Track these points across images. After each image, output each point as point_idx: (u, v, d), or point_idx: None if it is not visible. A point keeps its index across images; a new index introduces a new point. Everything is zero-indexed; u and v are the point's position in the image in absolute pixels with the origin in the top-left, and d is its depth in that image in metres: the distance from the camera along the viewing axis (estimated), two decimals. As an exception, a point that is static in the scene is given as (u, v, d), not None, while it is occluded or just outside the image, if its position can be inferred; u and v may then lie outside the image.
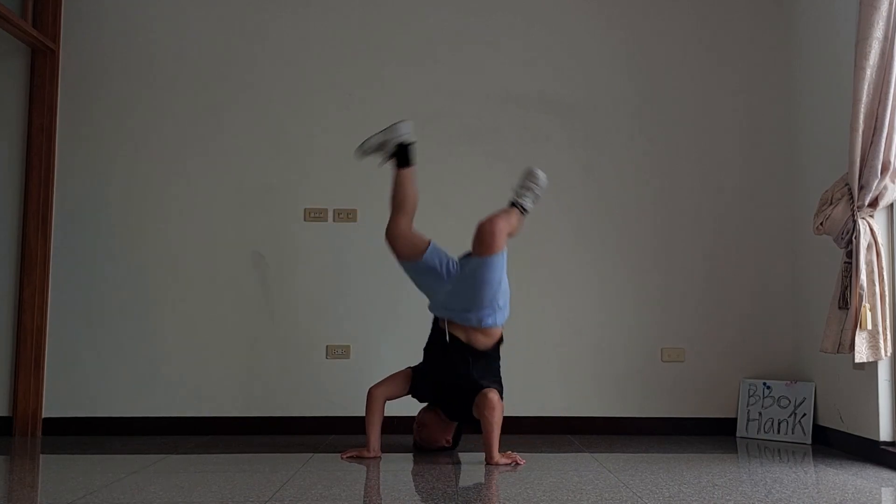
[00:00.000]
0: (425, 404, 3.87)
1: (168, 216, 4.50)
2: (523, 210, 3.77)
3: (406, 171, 3.81)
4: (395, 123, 3.82)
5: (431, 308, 3.85)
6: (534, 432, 4.33)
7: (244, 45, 4.59)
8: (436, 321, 3.83)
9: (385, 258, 4.48)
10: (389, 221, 3.80)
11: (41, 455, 3.85)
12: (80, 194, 4.49)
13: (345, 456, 3.66)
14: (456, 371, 3.67)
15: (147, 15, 4.60)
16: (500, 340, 3.78)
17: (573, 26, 4.64)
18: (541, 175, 3.80)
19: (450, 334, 3.72)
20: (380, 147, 3.82)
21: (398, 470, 3.37)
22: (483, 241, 3.60)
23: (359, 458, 3.63)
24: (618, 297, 4.51)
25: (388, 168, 4.52)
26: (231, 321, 4.46)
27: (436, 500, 2.86)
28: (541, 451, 3.76)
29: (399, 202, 3.81)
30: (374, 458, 3.65)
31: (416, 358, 4.43)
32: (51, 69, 4.47)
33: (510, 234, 3.69)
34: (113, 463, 3.55)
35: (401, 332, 4.47)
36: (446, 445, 3.82)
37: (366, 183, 4.53)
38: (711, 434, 4.39)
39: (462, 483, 3.12)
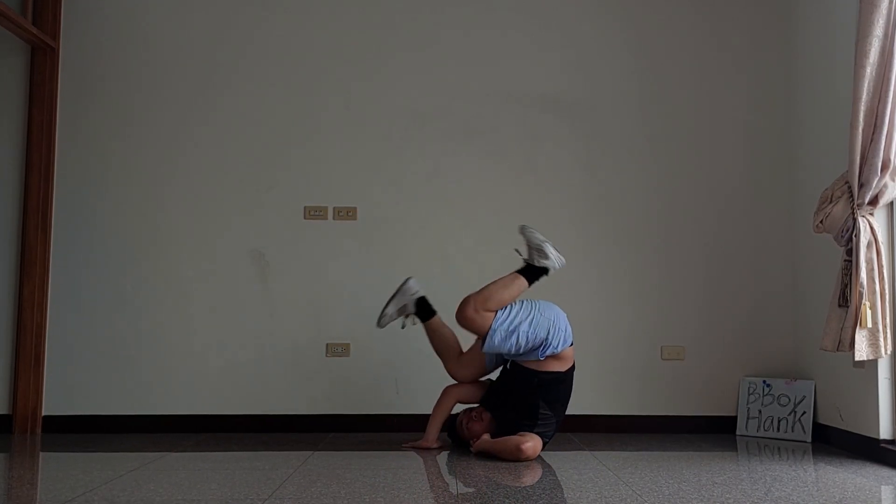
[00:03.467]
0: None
1: (168, 214, 4.50)
2: (538, 269, 3.74)
3: (433, 321, 3.92)
4: (401, 285, 3.94)
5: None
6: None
7: (244, 43, 4.59)
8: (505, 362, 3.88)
9: (385, 257, 4.50)
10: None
11: (41, 453, 3.85)
12: (80, 191, 4.49)
13: (405, 445, 3.86)
14: (528, 401, 3.67)
15: (147, 13, 4.60)
16: (573, 366, 3.77)
17: (574, 25, 4.63)
18: (534, 235, 3.76)
19: (526, 367, 3.72)
20: (399, 313, 3.93)
21: (398, 468, 3.37)
22: (467, 328, 3.71)
23: (416, 448, 3.82)
24: (618, 296, 4.51)
25: (389, 170, 4.53)
26: (231, 319, 4.46)
27: (435, 497, 2.86)
28: (542, 450, 3.75)
29: (442, 351, 3.92)
30: (428, 448, 3.79)
31: (415, 357, 4.43)
32: (51, 67, 4.47)
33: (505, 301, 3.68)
34: (112, 460, 3.55)
35: (400, 331, 4.46)
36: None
37: (366, 181, 4.53)
38: (711, 432, 4.39)
39: (461, 481, 3.12)
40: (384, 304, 3.96)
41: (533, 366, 3.69)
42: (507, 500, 2.76)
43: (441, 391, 3.91)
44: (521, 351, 3.66)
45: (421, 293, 3.95)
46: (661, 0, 4.64)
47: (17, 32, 4.26)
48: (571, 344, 3.73)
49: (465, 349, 3.91)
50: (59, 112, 4.50)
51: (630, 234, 4.54)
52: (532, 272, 3.74)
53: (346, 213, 4.51)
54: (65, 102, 4.51)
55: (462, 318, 3.68)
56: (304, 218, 4.52)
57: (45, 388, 4.38)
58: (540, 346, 3.63)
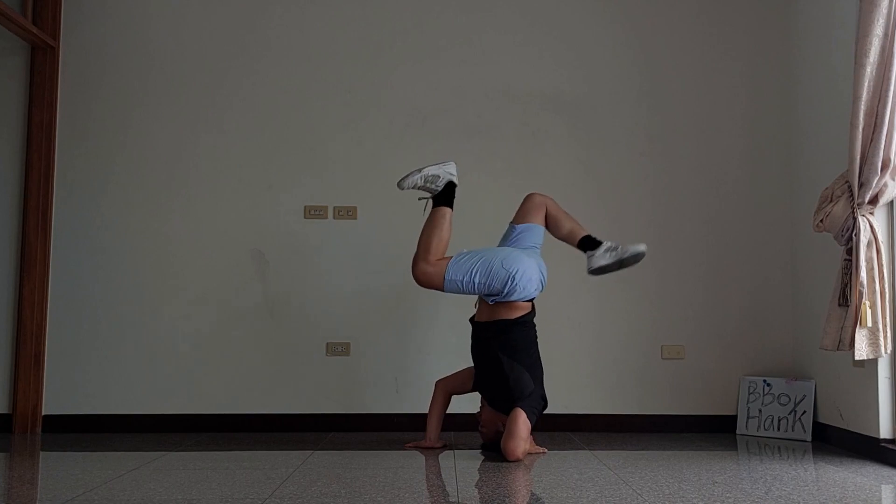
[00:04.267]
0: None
1: (168, 213, 4.50)
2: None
3: (443, 210, 3.74)
4: (447, 161, 3.82)
5: None
6: (534, 429, 4.32)
7: (245, 42, 4.59)
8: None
9: (385, 256, 4.51)
10: (416, 262, 3.66)
11: (41, 452, 3.85)
12: (80, 191, 4.49)
13: (407, 446, 3.87)
14: (490, 357, 3.68)
15: (147, 12, 4.60)
16: (533, 311, 3.76)
17: (574, 24, 4.63)
18: (407, 180, 3.74)
19: (476, 322, 3.78)
20: (426, 182, 3.75)
21: (398, 467, 3.37)
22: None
23: (418, 448, 3.83)
24: (617, 295, 4.51)
25: (389, 169, 4.52)
26: (231, 318, 4.46)
27: (435, 496, 2.86)
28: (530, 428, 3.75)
29: (428, 243, 3.67)
30: (431, 447, 3.80)
31: (415, 356, 4.44)
32: (51, 66, 4.47)
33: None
34: (112, 460, 3.56)
35: (400, 330, 4.47)
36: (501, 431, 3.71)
37: (366, 181, 4.53)
38: (711, 431, 4.39)
39: (461, 480, 3.12)
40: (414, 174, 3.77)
41: (485, 318, 3.72)
42: (507, 500, 2.76)
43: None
44: (477, 293, 3.69)
45: (456, 180, 3.80)
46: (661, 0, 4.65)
47: (17, 32, 4.26)
48: (532, 299, 3.73)
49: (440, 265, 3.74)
50: (59, 112, 4.50)
51: (629, 233, 4.53)
52: (442, 198, 3.74)
53: (347, 213, 4.52)
54: (65, 102, 4.51)
55: (419, 274, 3.64)
56: (304, 217, 4.52)
57: (45, 388, 4.38)
58: (496, 295, 3.65)
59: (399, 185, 3.74)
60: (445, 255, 3.69)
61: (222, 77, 4.57)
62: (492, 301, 3.67)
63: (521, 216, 3.87)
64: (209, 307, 4.46)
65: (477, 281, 3.61)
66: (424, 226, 3.72)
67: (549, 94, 4.59)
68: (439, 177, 3.74)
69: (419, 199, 3.82)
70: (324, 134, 4.55)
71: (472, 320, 3.84)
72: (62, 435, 4.26)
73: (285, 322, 4.47)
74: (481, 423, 3.78)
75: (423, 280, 3.66)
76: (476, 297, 3.84)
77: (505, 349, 3.65)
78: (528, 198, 3.91)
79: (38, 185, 4.41)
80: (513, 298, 3.65)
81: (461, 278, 3.62)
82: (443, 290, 3.69)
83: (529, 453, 3.62)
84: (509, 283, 3.60)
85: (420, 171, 3.75)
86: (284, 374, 4.44)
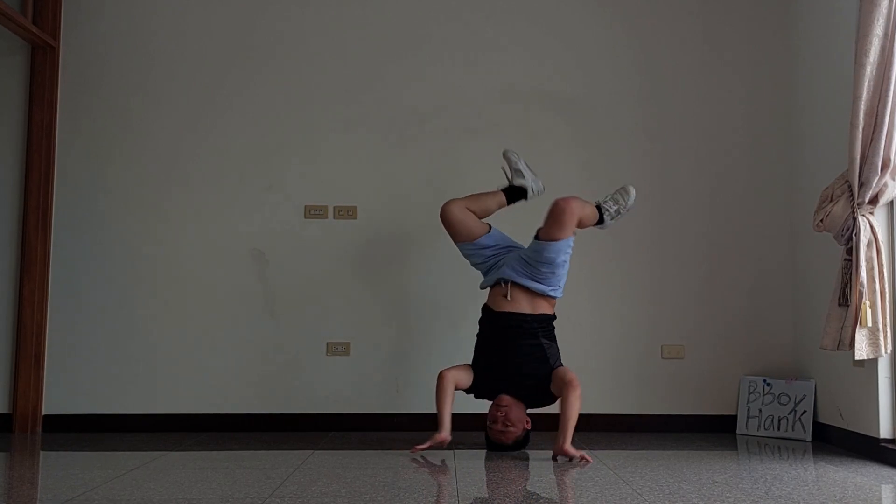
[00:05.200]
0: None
1: (168, 212, 4.50)
2: (602, 217, 3.97)
3: (502, 199, 4.08)
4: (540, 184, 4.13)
5: (486, 282, 3.97)
6: (533, 429, 4.33)
7: (244, 42, 4.59)
8: (485, 308, 3.91)
9: (385, 255, 4.51)
10: (453, 201, 3.95)
11: (41, 452, 3.85)
12: (80, 191, 4.49)
13: (416, 448, 3.65)
14: (532, 344, 3.78)
15: (147, 12, 4.60)
16: (554, 317, 3.93)
17: (574, 24, 4.63)
18: (632, 192, 4.04)
19: (507, 313, 3.81)
20: (515, 175, 4.07)
21: (398, 467, 3.37)
22: (553, 217, 3.75)
23: (431, 446, 3.65)
24: (617, 294, 4.51)
25: (390, 169, 4.53)
26: (231, 318, 4.46)
27: (435, 496, 2.86)
28: (540, 448, 3.76)
29: (478, 203, 3.99)
30: (444, 440, 3.69)
31: (416, 355, 4.44)
32: (51, 66, 4.47)
33: (579, 226, 3.85)
34: (112, 460, 3.56)
35: (401, 329, 4.47)
36: (526, 429, 3.74)
37: (366, 181, 4.54)
38: (711, 431, 4.38)
39: (461, 480, 3.12)
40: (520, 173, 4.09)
41: (528, 309, 3.81)
42: (507, 500, 2.76)
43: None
44: (548, 277, 3.80)
45: (531, 191, 4.08)
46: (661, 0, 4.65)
47: (17, 31, 4.26)
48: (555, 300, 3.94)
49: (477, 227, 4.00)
50: (60, 111, 4.50)
51: (629, 232, 4.53)
52: (511, 193, 4.05)
53: (347, 213, 4.52)
54: (65, 102, 4.51)
55: (449, 214, 3.90)
56: (305, 217, 4.52)
57: (46, 388, 4.38)
58: (554, 285, 3.84)
59: (505, 151, 4.09)
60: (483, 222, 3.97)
61: (222, 77, 4.57)
62: (551, 291, 3.81)
63: (556, 231, 3.78)
64: (209, 307, 4.46)
65: (563, 270, 3.83)
66: (485, 193, 4.03)
67: (549, 94, 4.59)
68: (524, 177, 4.06)
69: (502, 168, 4.10)
70: (324, 134, 4.55)
71: (499, 312, 3.82)
72: (62, 435, 4.26)
73: (285, 322, 4.47)
74: (510, 422, 3.66)
75: (445, 218, 3.90)
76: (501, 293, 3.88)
77: (547, 337, 3.84)
78: (557, 208, 3.77)
79: (38, 185, 4.40)
80: (557, 295, 3.85)
81: (492, 244, 3.90)
82: (461, 239, 3.93)
83: (574, 455, 3.47)
84: (555, 257, 3.76)
85: (522, 167, 4.07)
86: (285, 374, 4.44)
